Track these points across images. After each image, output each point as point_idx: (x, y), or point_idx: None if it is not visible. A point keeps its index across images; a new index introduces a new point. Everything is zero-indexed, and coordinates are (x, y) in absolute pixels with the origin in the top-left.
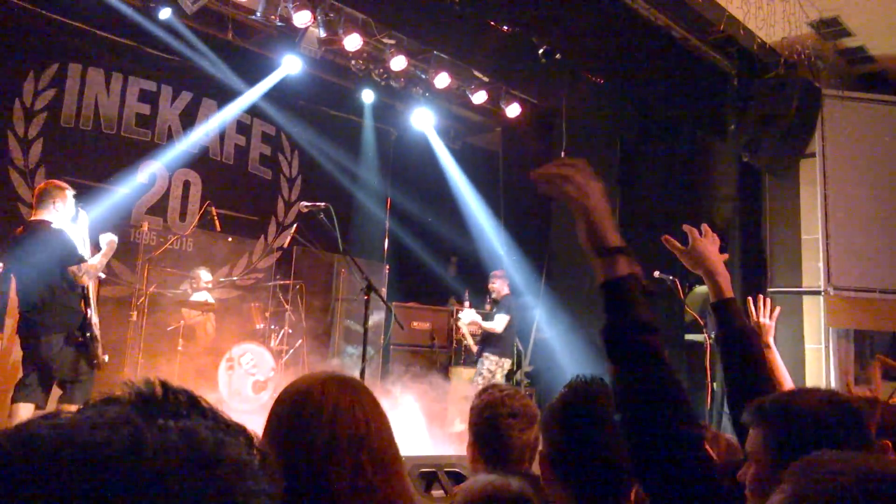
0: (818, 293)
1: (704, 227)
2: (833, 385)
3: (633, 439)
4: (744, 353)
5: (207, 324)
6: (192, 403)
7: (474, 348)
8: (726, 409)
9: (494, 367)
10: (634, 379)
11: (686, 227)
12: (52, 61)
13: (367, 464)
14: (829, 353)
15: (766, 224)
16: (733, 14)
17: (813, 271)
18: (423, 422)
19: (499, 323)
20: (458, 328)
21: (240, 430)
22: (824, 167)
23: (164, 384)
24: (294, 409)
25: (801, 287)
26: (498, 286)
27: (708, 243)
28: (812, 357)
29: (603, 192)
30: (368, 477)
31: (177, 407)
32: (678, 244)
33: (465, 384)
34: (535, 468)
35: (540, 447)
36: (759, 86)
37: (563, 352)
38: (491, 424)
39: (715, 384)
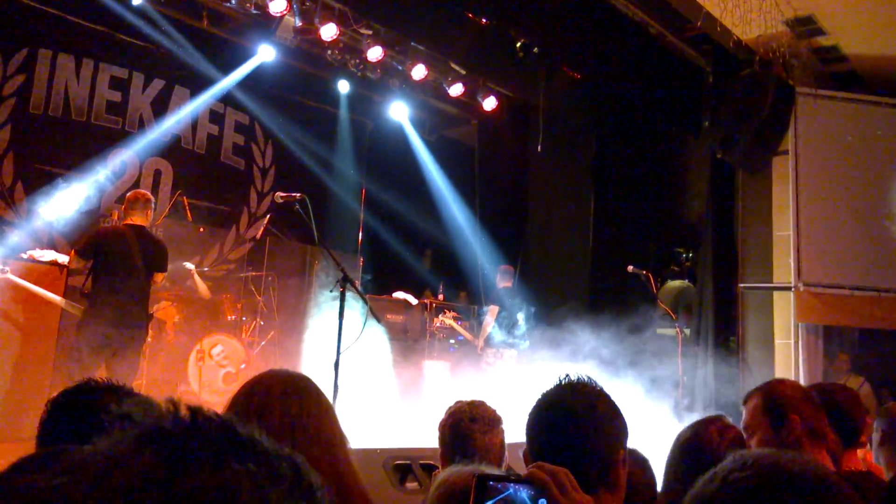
0: (789, 289)
1: None
2: (802, 380)
3: None
4: None
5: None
6: (231, 437)
7: (473, 338)
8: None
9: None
10: None
11: None
12: (21, 47)
13: (301, 441)
14: (798, 349)
15: (739, 220)
16: (710, 11)
17: (784, 267)
18: (396, 415)
19: (489, 314)
20: (443, 322)
21: (288, 463)
22: (797, 165)
23: (193, 412)
24: (232, 403)
25: (771, 283)
26: (497, 279)
27: None
28: (781, 352)
29: None
30: (302, 449)
31: (210, 443)
32: None
33: (439, 377)
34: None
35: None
36: (733, 83)
37: (535, 344)
38: (455, 429)
39: (685, 377)
